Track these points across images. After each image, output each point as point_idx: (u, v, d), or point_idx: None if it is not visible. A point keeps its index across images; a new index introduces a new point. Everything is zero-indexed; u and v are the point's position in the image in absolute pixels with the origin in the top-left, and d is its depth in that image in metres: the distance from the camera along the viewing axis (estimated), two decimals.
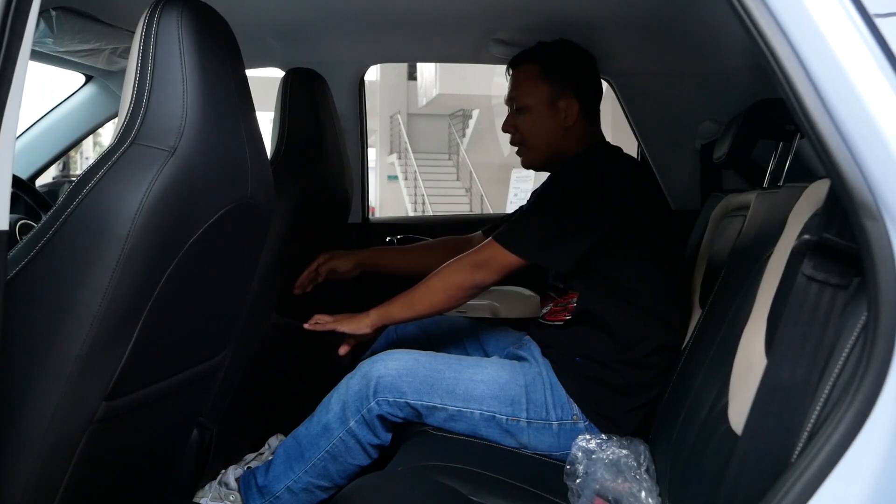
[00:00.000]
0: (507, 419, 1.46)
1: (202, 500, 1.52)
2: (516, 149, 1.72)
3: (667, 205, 1.60)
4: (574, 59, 1.68)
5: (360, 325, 1.56)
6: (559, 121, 1.64)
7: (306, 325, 1.58)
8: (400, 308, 1.56)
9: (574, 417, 1.48)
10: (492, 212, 12.09)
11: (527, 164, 1.73)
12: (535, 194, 1.61)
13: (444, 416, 1.46)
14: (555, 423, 1.47)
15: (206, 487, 1.56)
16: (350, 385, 1.47)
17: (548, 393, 1.49)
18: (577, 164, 1.58)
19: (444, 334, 1.82)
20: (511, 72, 1.72)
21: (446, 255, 1.83)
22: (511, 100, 1.69)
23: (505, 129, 1.71)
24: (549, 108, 1.64)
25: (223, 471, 1.60)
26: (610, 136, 1.73)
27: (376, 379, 1.44)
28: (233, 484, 1.54)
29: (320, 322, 1.58)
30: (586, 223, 1.49)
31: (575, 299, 1.55)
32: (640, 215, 1.53)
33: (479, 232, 1.94)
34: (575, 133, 1.65)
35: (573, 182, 1.54)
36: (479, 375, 1.48)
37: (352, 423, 1.44)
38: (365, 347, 1.88)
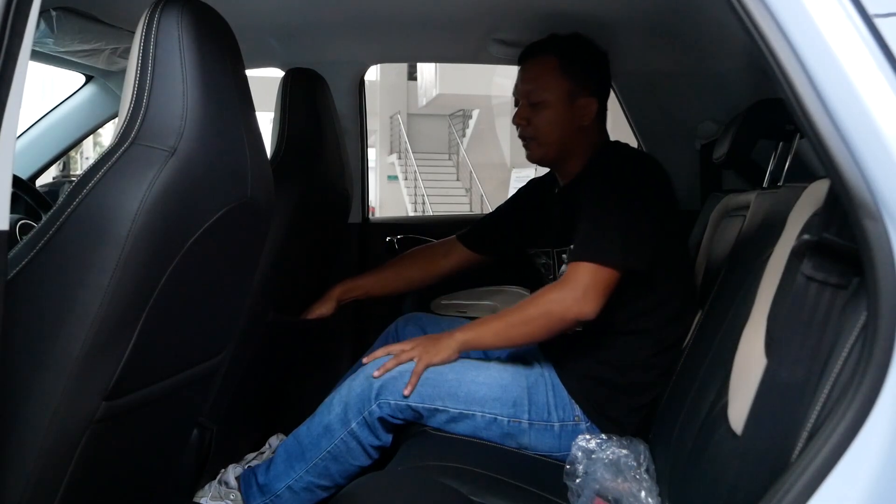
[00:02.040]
0: (508, 421, 1.46)
1: (203, 500, 1.52)
2: (523, 141, 1.67)
3: (677, 202, 1.60)
4: (593, 55, 1.64)
5: (449, 354, 1.47)
6: (576, 118, 1.59)
7: (376, 374, 1.45)
8: (492, 338, 1.48)
9: (576, 418, 1.48)
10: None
11: (534, 159, 1.67)
12: (595, 203, 1.47)
13: (446, 419, 1.46)
14: (556, 425, 1.47)
15: (207, 487, 1.56)
16: (352, 387, 1.46)
17: (550, 394, 1.49)
18: (617, 165, 1.54)
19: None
20: (525, 63, 1.65)
21: (425, 265, 1.87)
22: (526, 93, 1.62)
23: (516, 121, 1.65)
24: (567, 105, 1.59)
25: (223, 470, 1.60)
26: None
27: (378, 382, 1.43)
28: (233, 483, 1.54)
29: (394, 351, 1.49)
30: (653, 219, 1.46)
31: None
32: (670, 212, 1.52)
33: (453, 236, 1.91)
34: (587, 132, 1.61)
35: (626, 180, 1.48)
36: (481, 377, 1.48)
37: (353, 425, 1.43)
38: (365, 347, 1.88)
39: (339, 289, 1.85)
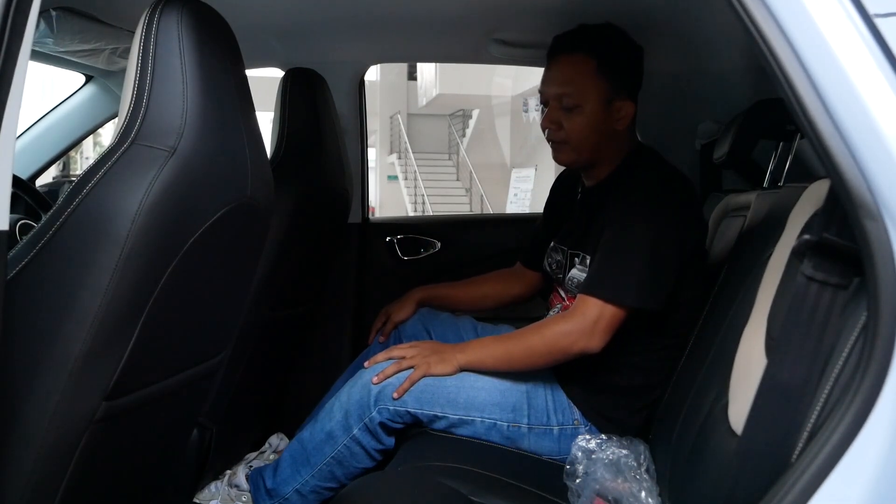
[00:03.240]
0: (508, 426, 1.45)
1: (212, 503, 1.52)
2: (553, 144, 1.56)
3: (701, 211, 1.56)
4: (631, 52, 1.53)
5: (449, 370, 1.45)
6: (612, 122, 1.49)
7: (374, 379, 1.44)
8: (493, 363, 1.45)
9: (575, 422, 1.48)
10: (492, 212, 12.09)
11: (564, 163, 1.58)
12: (616, 234, 1.41)
13: (446, 424, 1.45)
14: (556, 428, 1.47)
15: (211, 488, 1.56)
16: (351, 394, 1.46)
17: (549, 398, 1.49)
18: (645, 188, 1.45)
19: (445, 332, 1.81)
20: (557, 60, 1.51)
21: (505, 286, 1.87)
22: (559, 97, 1.49)
23: (546, 124, 1.53)
24: (604, 109, 1.48)
25: (228, 471, 1.60)
26: None
27: (377, 388, 1.43)
28: (244, 485, 1.54)
29: (395, 356, 1.47)
30: (675, 251, 1.40)
31: None
32: (695, 237, 1.48)
33: (518, 263, 1.89)
34: (621, 135, 1.52)
35: (653, 208, 1.41)
36: (480, 383, 1.47)
37: (355, 431, 1.43)
38: (365, 346, 1.88)
39: (421, 293, 1.82)
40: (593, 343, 1.38)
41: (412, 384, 1.42)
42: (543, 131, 1.57)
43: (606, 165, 1.56)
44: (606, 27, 1.52)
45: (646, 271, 1.37)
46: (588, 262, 1.51)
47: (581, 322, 1.38)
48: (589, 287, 1.41)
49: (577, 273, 1.54)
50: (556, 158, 1.59)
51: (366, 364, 1.51)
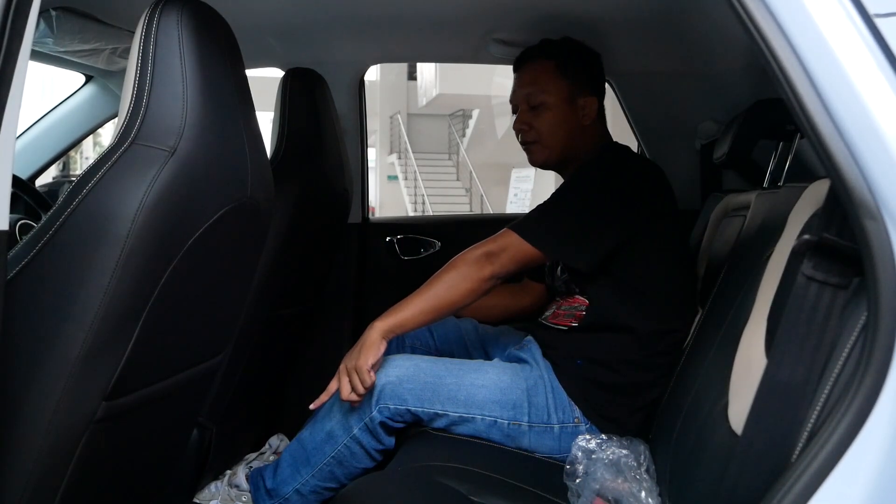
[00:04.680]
0: (508, 423, 1.46)
1: (213, 503, 1.52)
2: (525, 146, 1.67)
3: (676, 204, 1.60)
4: (587, 56, 1.66)
5: (373, 351, 1.37)
6: (577, 118, 1.61)
7: (312, 406, 1.41)
8: (417, 314, 1.41)
9: (576, 420, 1.48)
10: (492, 212, 12.09)
11: (538, 163, 1.69)
12: (557, 191, 1.55)
13: (447, 422, 1.46)
14: (556, 427, 1.47)
15: (211, 488, 1.56)
16: None
17: (549, 396, 1.49)
18: (599, 163, 1.55)
19: (447, 332, 1.82)
20: (521, 68, 1.67)
21: (515, 298, 1.91)
22: (526, 97, 1.63)
23: (518, 126, 1.66)
24: (568, 106, 1.61)
25: (228, 472, 1.60)
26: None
27: (378, 387, 1.43)
28: (245, 485, 1.54)
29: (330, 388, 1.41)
30: (611, 222, 1.47)
31: (584, 307, 1.54)
32: (658, 216, 1.52)
33: (525, 278, 1.92)
34: (589, 132, 1.63)
35: (597, 180, 1.51)
36: (481, 380, 1.47)
37: (355, 431, 1.43)
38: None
39: None
40: (497, 266, 1.42)
41: (366, 387, 1.36)
42: (517, 136, 1.69)
43: (577, 162, 1.62)
44: (565, 39, 1.67)
45: (566, 227, 1.46)
46: None
47: (488, 245, 1.44)
48: (512, 224, 1.48)
49: (562, 268, 1.60)
50: (531, 160, 1.71)
51: (311, 406, 1.43)
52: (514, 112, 1.69)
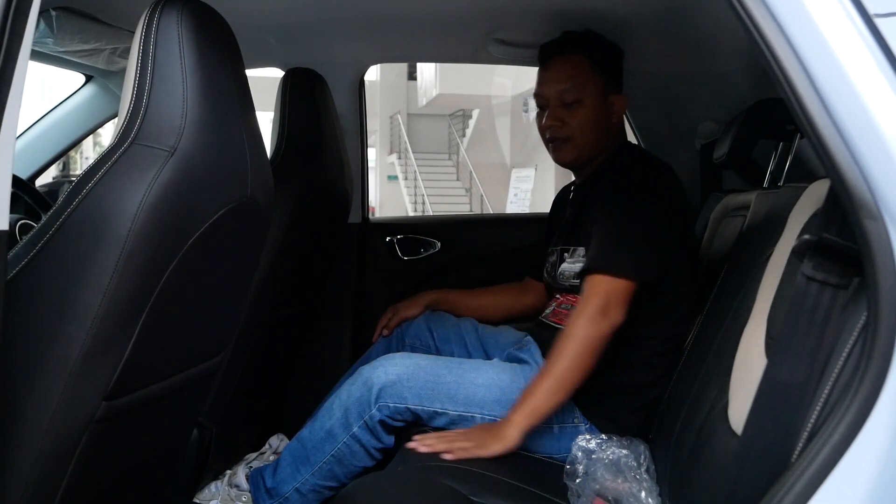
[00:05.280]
0: None
1: (213, 503, 1.52)
2: (553, 143, 1.61)
3: (689, 204, 1.60)
4: (615, 52, 1.63)
5: (510, 445, 1.33)
6: (609, 116, 1.59)
7: (423, 448, 1.33)
8: (550, 399, 1.36)
9: (575, 420, 1.48)
10: (492, 212, 12.09)
11: (565, 161, 1.63)
12: (613, 214, 1.46)
13: (446, 421, 1.45)
14: (555, 427, 1.47)
15: (211, 488, 1.56)
16: (351, 392, 1.46)
17: None
18: (631, 172, 1.53)
19: (447, 332, 1.82)
20: (550, 63, 1.61)
21: (516, 298, 1.89)
22: (561, 93, 1.57)
23: (549, 123, 1.59)
24: (602, 103, 1.58)
25: (228, 472, 1.60)
26: None
27: (377, 385, 1.43)
28: (244, 485, 1.54)
29: (447, 437, 1.35)
30: (667, 231, 1.46)
31: None
32: (680, 219, 1.53)
33: (526, 277, 1.91)
34: (613, 130, 1.61)
35: (642, 192, 1.48)
36: (480, 379, 1.47)
37: (355, 429, 1.43)
38: (364, 347, 1.88)
39: (433, 296, 1.86)
40: (615, 316, 1.38)
41: (457, 458, 1.31)
42: (543, 133, 1.63)
43: (598, 160, 1.62)
44: (589, 32, 1.63)
45: (638, 244, 1.42)
46: (578, 253, 1.56)
47: (595, 303, 1.39)
48: (591, 266, 1.43)
49: (568, 266, 1.58)
50: (557, 158, 1.64)
51: (409, 445, 1.36)
52: (539, 106, 1.64)
